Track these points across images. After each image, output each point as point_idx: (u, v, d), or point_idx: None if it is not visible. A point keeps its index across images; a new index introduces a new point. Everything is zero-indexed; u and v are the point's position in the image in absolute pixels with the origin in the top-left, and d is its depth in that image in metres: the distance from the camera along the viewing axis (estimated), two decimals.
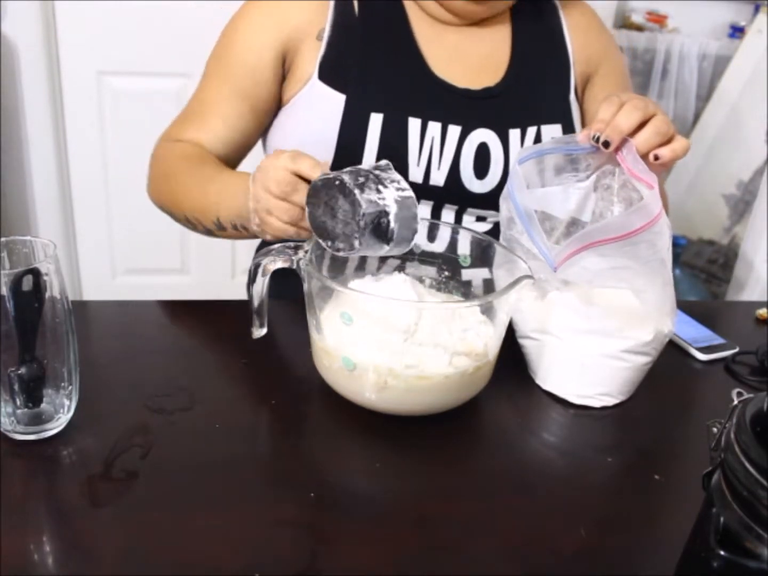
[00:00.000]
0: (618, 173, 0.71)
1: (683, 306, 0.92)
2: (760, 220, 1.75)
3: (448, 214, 0.92)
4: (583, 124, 1.01)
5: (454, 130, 0.88)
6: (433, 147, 0.88)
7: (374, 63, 0.89)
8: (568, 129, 0.97)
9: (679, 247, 2.07)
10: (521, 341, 0.75)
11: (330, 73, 0.88)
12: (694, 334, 0.85)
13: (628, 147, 0.69)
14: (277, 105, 0.93)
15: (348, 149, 0.87)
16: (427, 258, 0.77)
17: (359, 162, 0.87)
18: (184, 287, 2.14)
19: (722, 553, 0.41)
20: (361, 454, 0.65)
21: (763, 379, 0.79)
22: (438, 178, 0.89)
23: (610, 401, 0.72)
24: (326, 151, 0.86)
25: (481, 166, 0.90)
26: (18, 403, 0.59)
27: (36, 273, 0.55)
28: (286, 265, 0.66)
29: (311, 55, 0.88)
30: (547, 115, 0.95)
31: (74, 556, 0.51)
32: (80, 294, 2.14)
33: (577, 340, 0.70)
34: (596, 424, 0.71)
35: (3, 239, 0.58)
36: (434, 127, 0.88)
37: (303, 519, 0.56)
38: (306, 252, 0.66)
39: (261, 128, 0.94)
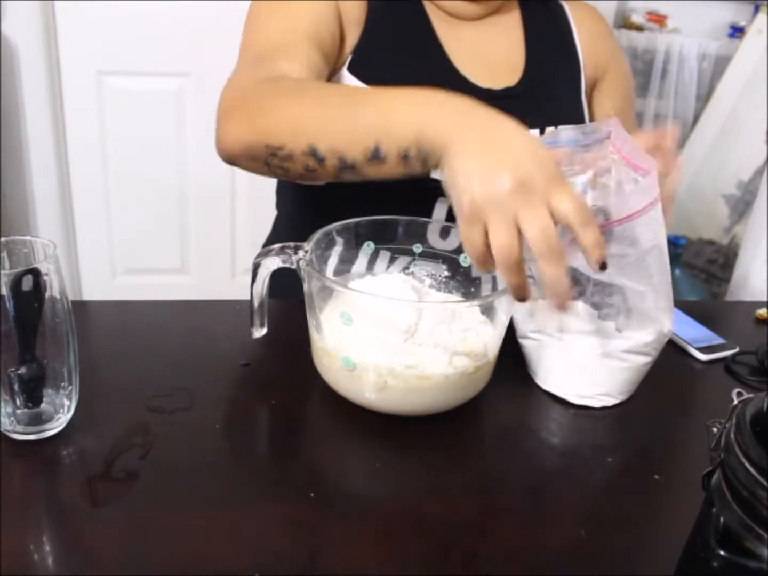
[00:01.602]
0: (615, 171, 0.71)
1: (683, 306, 0.92)
2: (760, 220, 1.75)
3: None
4: None
5: None
6: None
7: (401, 58, 0.88)
8: None
9: (679, 247, 2.07)
10: (521, 341, 0.75)
11: (359, 64, 0.86)
12: (694, 334, 0.85)
13: (622, 137, 0.68)
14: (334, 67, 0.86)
15: None
16: (427, 258, 0.77)
17: None
18: (184, 287, 2.14)
19: (722, 553, 0.41)
20: (361, 454, 0.65)
21: (763, 379, 0.79)
22: None
23: (610, 401, 0.72)
24: None
25: None
26: (18, 403, 0.59)
27: (36, 273, 0.55)
28: (286, 265, 0.66)
29: (347, 42, 0.87)
30: (563, 116, 0.95)
31: (74, 556, 0.51)
32: (80, 294, 2.14)
33: (577, 341, 0.70)
34: (596, 424, 0.71)
35: (3, 239, 0.58)
36: None
37: (303, 519, 0.55)
38: (306, 252, 0.66)
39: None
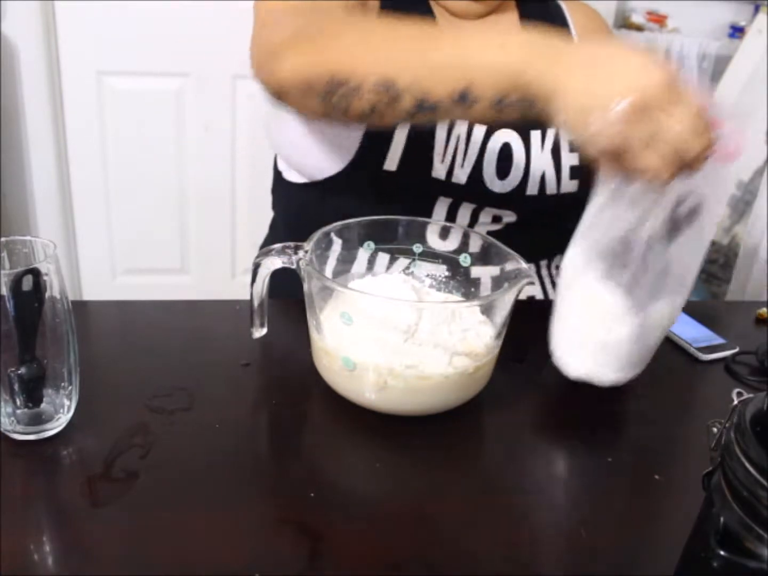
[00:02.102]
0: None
1: (683, 306, 0.92)
2: (760, 220, 1.75)
3: (464, 212, 0.91)
4: None
5: (479, 129, 0.88)
6: (459, 144, 0.87)
7: None
8: None
9: None
10: (556, 295, 0.72)
11: None
12: (694, 334, 0.85)
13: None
14: None
15: (374, 140, 0.85)
16: (427, 258, 0.77)
17: (383, 155, 0.85)
18: (184, 287, 2.14)
19: (722, 553, 0.41)
20: (361, 454, 0.65)
21: (763, 379, 0.79)
22: (460, 176, 0.88)
23: (620, 377, 0.70)
24: (351, 139, 0.85)
25: (504, 167, 0.89)
26: (18, 403, 0.59)
27: (36, 273, 0.55)
28: (286, 265, 0.66)
29: None
30: None
31: (74, 556, 0.51)
32: (80, 294, 2.14)
33: (602, 315, 0.67)
34: (596, 424, 0.71)
35: (3, 239, 0.58)
36: (461, 125, 0.87)
37: (303, 519, 0.55)
38: (306, 252, 0.66)
39: None
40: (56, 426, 0.61)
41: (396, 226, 0.76)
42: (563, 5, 0.99)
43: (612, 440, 0.70)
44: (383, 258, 0.80)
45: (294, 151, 0.92)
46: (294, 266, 0.66)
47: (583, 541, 0.56)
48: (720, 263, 2.18)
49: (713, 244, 2.19)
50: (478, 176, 0.89)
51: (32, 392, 0.59)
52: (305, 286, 0.67)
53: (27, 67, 1.83)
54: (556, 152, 0.94)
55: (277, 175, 1.01)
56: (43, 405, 0.60)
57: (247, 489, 0.58)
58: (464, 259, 0.75)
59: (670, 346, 0.84)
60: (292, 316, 0.78)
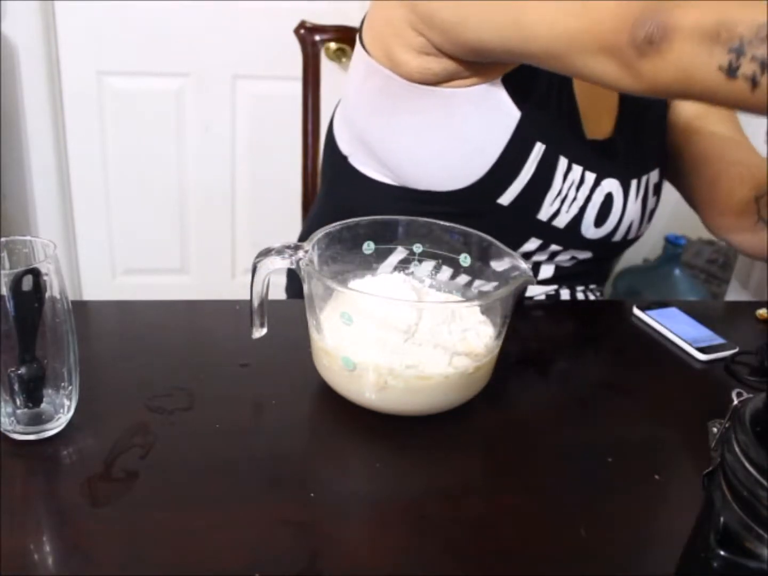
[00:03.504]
0: None
1: (683, 306, 0.92)
2: None
3: (546, 252, 0.93)
4: (672, 155, 1.01)
5: (590, 177, 0.89)
6: (570, 190, 0.88)
7: (546, 91, 0.87)
8: (663, 171, 0.98)
9: (679, 247, 2.07)
10: None
11: (513, 81, 0.84)
12: (694, 334, 0.85)
13: None
14: None
15: (503, 170, 0.85)
16: (427, 258, 0.77)
17: (504, 188, 0.85)
18: (184, 287, 2.14)
19: (722, 553, 0.41)
20: (361, 454, 0.65)
21: (763, 379, 0.79)
22: (562, 221, 0.89)
23: None
24: (479, 167, 0.84)
25: (602, 215, 0.91)
26: (18, 403, 0.59)
27: (36, 273, 0.55)
28: (285, 265, 0.66)
29: None
30: (652, 161, 0.97)
31: (74, 556, 0.51)
32: (80, 294, 2.14)
33: None
34: (597, 424, 0.71)
35: (3, 239, 0.58)
36: (576, 171, 0.88)
37: (303, 519, 0.56)
38: (306, 252, 0.66)
39: None
40: (56, 426, 0.61)
41: (396, 226, 0.76)
42: None
43: (612, 440, 0.70)
44: (384, 257, 0.80)
45: (407, 164, 0.89)
46: (294, 266, 0.66)
47: (583, 541, 0.56)
48: (720, 263, 2.18)
49: (713, 244, 2.19)
50: (577, 222, 0.90)
51: (32, 392, 0.59)
52: (305, 286, 0.67)
53: (27, 67, 1.83)
54: (644, 200, 0.96)
55: (341, 159, 0.95)
56: (43, 405, 0.60)
57: (247, 489, 0.58)
58: (464, 259, 0.75)
59: (670, 346, 0.84)
60: (292, 316, 0.78)
